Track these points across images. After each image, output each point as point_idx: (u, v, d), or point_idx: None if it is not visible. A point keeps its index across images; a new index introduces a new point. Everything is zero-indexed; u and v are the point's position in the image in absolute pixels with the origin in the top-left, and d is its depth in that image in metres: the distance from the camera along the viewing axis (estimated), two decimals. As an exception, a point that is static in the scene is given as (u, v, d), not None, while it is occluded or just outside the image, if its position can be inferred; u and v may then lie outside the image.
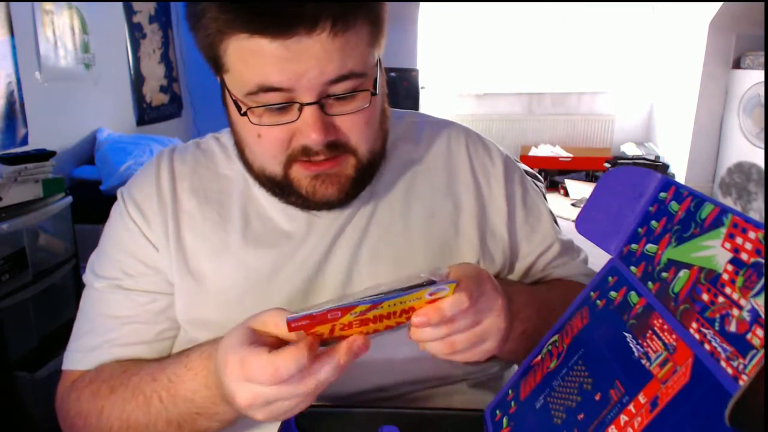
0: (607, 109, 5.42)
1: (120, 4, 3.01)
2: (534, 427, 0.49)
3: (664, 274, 0.43)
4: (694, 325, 0.37)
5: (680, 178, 4.70)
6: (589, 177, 5.09)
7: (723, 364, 0.34)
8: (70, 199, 1.93)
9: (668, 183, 0.47)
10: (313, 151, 0.56)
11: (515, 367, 0.81)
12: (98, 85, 2.75)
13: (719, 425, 0.32)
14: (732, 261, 0.36)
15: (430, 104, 5.14)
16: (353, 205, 0.66)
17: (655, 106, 5.35)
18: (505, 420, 0.53)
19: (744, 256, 0.35)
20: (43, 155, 1.81)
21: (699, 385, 0.35)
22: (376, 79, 0.57)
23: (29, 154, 1.79)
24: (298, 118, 0.54)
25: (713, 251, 0.38)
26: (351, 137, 0.58)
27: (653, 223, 0.47)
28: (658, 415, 0.37)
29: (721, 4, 4.18)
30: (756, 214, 4.07)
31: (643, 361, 0.40)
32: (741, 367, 0.32)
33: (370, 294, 0.44)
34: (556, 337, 0.54)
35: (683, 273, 0.41)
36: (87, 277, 0.68)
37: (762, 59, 4.09)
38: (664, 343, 0.39)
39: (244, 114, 0.55)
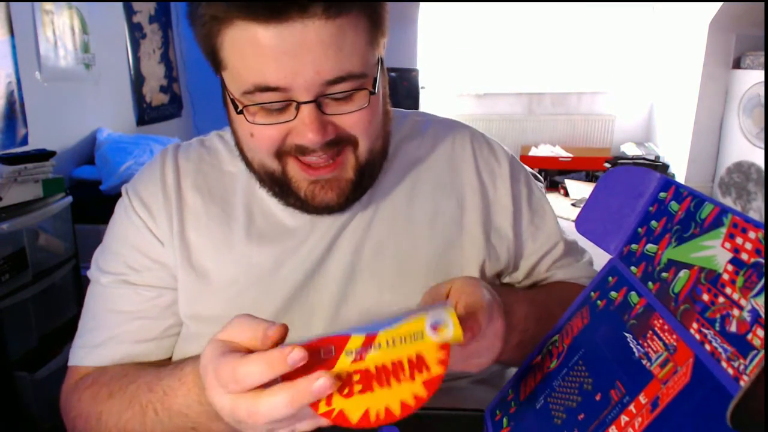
0: (607, 109, 5.42)
1: (120, 4, 3.01)
2: (534, 427, 0.49)
3: (664, 274, 0.43)
4: (695, 325, 0.37)
5: (680, 178, 4.70)
6: (589, 177, 5.08)
7: (724, 364, 0.34)
8: (70, 199, 1.93)
9: (668, 183, 0.47)
10: (309, 150, 0.56)
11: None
12: (98, 85, 2.75)
13: (720, 426, 0.32)
14: (732, 261, 0.36)
15: (430, 104, 5.13)
16: (356, 204, 0.65)
17: (655, 106, 5.35)
18: (505, 420, 0.53)
19: (744, 256, 0.35)
20: (43, 155, 1.81)
21: (700, 385, 0.35)
22: (376, 78, 0.57)
23: (29, 154, 1.79)
24: (294, 118, 0.54)
25: (713, 251, 0.38)
26: (353, 131, 0.57)
27: (653, 223, 0.47)
28: (658, 416, 0.37)
29: (721, 4, 4.17)
30: (756, 213, 4.06)
31: (644, 362, 0.40)
32: (742, 367, 0.32)
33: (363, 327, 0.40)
34: (556, 337, 0.54)
35: (683, 273, 0.41)
36: (92, 274, 0.68)
37: (762, 59, 4.09)
38: (665, 344, 0.39)
39: (240, 112, 0.55)
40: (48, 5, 2.32)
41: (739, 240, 0.36)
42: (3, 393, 1.61)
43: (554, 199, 4.68)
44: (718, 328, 0.35)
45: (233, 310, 0.59)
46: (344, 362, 0.38)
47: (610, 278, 0.50)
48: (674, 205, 0.45)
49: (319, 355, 0.37)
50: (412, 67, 4.61)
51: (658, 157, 5.04)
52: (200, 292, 0.64)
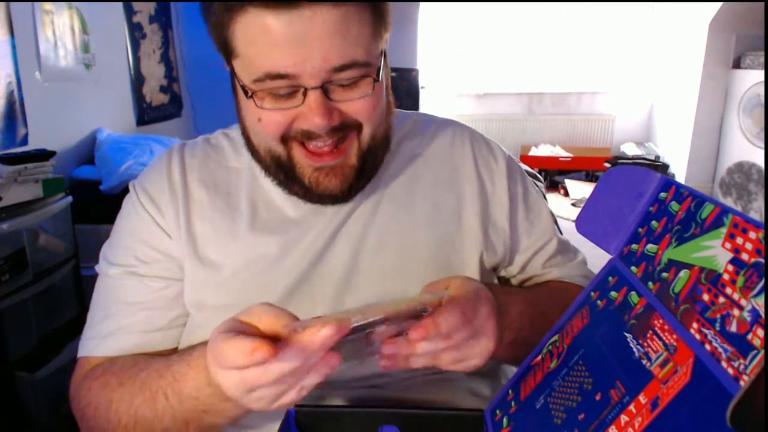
0: (607, 109, 5.42)
1: (120, 4, 3.01)
2: (534, 427, 0.49)
3: (664, 274, 0.43)
4: (695, 325, 0.37)
5: (680, 178, 4.70)
6: (589, 177, 5.08)
7: (724, 364, 0.34)
8: (70, 199, 1.93)
9: (668, 183, 0.47)
10: (315, 135, 0.58)
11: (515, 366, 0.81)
12: (98, 85, 2.75)
13: (720, 426, 0.32)
14: (732, 261, 0.36)
15: (430, 104, 5.13)
16: (359, 196, 0.68)
17: (655, 106, 5.35)
18: (505, 420, 0.53)
19: (744, 256, 0.35)
20: (43, 155, 1.81)
21: (700, 385, 0.35)
22: (379, 68, 0.59)
23: (29, 154, 1.79)
24: (302, 103, 0.56)
25: (714, 251, 0.38)
26: (357, 117, 0.60)
27: (653, 223, 0.47)
28: (658, 416, 0.37)
29: (721, 4, 4.17)
30: (756, 214, 4.07)
31: (644, 362, 0.40)
32: (742, 367, 0.32)
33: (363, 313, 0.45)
34: (556, 337, 0.54)
35: (684, 273, 0.41)
36: (100, 267, 0.69)
37: (762, 59, 4.09)
38: (665, 344, 0.39)
39: (250, 97, 0.57)
40: (48, 5, 2.32)
41: (739, 240, 0.36)
42: (3, 393, 1.61)
43: (554, 199, 4.68)
44: (718, 328, 0.35)
45: (238, 300, 0.63)
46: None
47: (611, 278, 0.50)
48: (675, 205, 0.45)
49: None
50: (412, 67, 4.61)
51: (658, 157, 5.04)
52: (206, 281, 0.65)
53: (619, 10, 5.19)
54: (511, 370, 0.80)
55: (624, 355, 0.43)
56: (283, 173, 0.63)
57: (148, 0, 3.31)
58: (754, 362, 0.32)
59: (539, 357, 0.54)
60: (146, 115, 3.25)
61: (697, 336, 0.37)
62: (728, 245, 0.37)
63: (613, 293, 0.48)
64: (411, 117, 0.79)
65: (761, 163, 4.00)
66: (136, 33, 3.17)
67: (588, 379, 0.45)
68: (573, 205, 4.47)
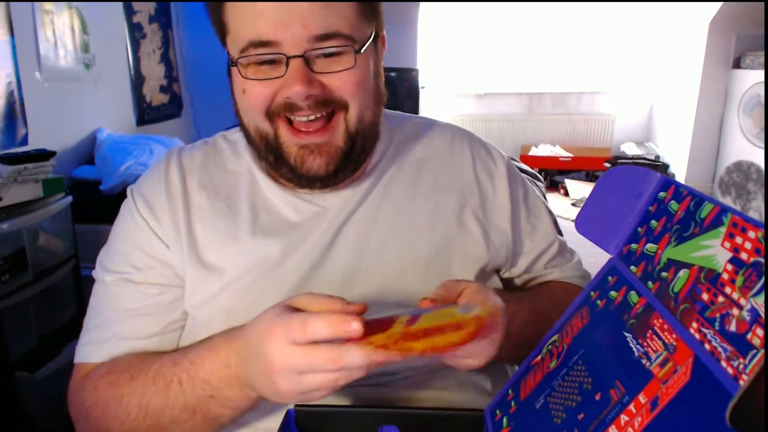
0: (607, 109, 5.42)
1: (120, 4, 3.00)
2: (534, 426, 0.49)
3: (664, 274, 0.43)
4: (695, 324, 0.37)
5: (680, 177, 4.70)
6: (589, 177, 5.08)
7: (723, 363, 0.34)
8: (70, 199, 1.93)
9: (668, 182, 0.47)
10: (297, 106, 0.59)
11: (516, 365, 0.81)
12: (98, 85, 2.75)
13: (719, 425, 0.32)
14: (732, 260, 0.36)
15: (430, 104, 5.13)
16: (360, 197, 0.68)
17: (655, 106, 5.35)
18: (505, 420, 0.53)
19: (744, 256, 0.35)
20: (43, 155, 1.81)
21: (699, 385, 0.35)
22: (364, 44, 0.60)
23: (29, 154, 1.78)
24: (284, 74, 0.58)
25: (713, 251, 0.38)
26: (341, 93, 0.60)
27: (653, 222, 0.47)
28: (658, 415, 0.37)
29: (721, 4, 4.17)
30: (755, 213, 4.07)
31: (644, 361, 0.40)
32: (741, 366, 0.32)
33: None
34: (556, 337, 0.54)
35: (683, 272, 0.41)
36: (96, 273, 0.70)
37: (762, 59, 4.09)
38: (664, 343, 0.39)
39: (234, 64, 0.59)
40: (48, 5, 2.32)
41: (738, 239, 0.36)
42: (3, 393, 1.61)
43: (554, 199, 4.68)
44: (717, 328, 0.35)
45: (241, 302, 0.64)
46: (395, 329, 0.47)
47: (610, 278, 0.50)
48: (674, 205, 0.45)
49: (381, 326, 0.46)
50: (412, 67, 4.61)
51: (658, 157, 5.04)
52: (208, 285, 0.65)
53: (619, 10, 5.19)
54: (513, 368, 0.80)
55: (624, 355, 0.43)
56: (272, 154, 0.64)
57: (148, 0, 3.31)
58: (754, 362, 0.32)
59: (539, 357, 0.54)
60: (146, 115, 3.25)
61: (697, 335, 0.37)
62: (727, 244, 0.37)
63: (612, 293, 0.49)
64: (410, 120, 0.79)
65: (761, 163, 4.00)
66: (136, 33, 3.16)
67: (588, 379, 0.45)
68: (573, 205, 4.47)
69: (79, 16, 2.57)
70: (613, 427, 0.40)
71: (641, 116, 5.43)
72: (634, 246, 0.48)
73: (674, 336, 0.39)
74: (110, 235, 0.71)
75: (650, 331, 0.41)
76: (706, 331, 0.36)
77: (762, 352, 0.32)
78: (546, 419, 0.47)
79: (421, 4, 4.82)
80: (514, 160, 0.94)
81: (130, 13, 3.10)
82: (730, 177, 4.34)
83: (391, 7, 0.61)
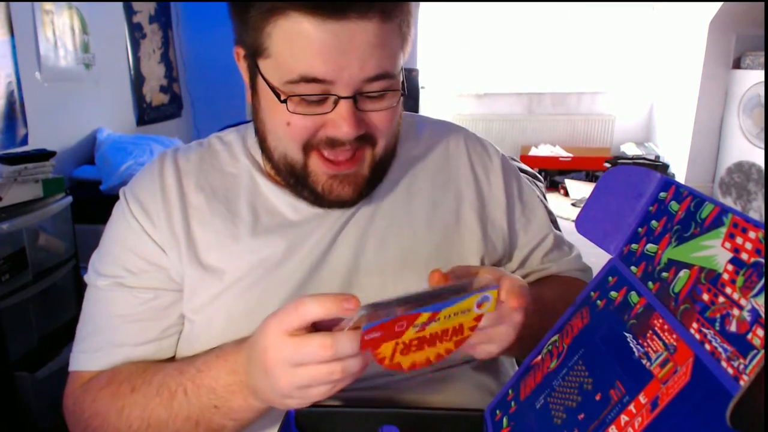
0: (607, 109, 5.42)
1: (120, 4, 3.01)
2: (534, 427, 0.49)
3: (664, 274, 0.43)
4: (695, 325, 0.37)
5: (680, 177, 4.70)
6: (589, 177, 5.08)
7: (723, 364, 0.34)
8: (70, 199, 1.93)
9: (668, 183, 0.47)
10: (340, 142, 0.59)
11: (516, 365, 0.81)
12: (98, 85, 2.75)
13: (720, 425, 0.32)
14: (732, 261, 0.36)
15: (430, 104, 5.13)
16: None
17: (655, 106, 5.34)
18: (505, 420, 0.53)
19: (744, 256, 0.35)
20: (43, 155, 1.81)
21: (699, 385, 0.35)
22: (403, 81, 0.61)
23: (29, 154, 1.78)
24: (331, 111, 0.57)
25: (713, 251, 0.38)
26: (376, 132, 0.61)
27: (653, 222, 0.47)
28: (658, 416, 0.37)
29: (721, 4, 4.17)
30: (756, 213, 4.07)
31: (644, 361, 0.40)
32: (741, 367, 0.32)
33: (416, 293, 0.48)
34: (556, 337, 0.54)
35: (683, 273, 0.41)
36: (89, 277, 0.68)
37: (762, 59, 4.08)
38: (665, 343, 0.39)
39: (284, 101, 0.57)
40: (48, 5, 2.32)
41: (739, 240, 0.36)
42: (3, 393, 1.61)
43: (554, 199, 4.68)
44: (718, 328, 0.35)
45: (241, 303, 0.63)
46: (410, 333, 0.47)
47: (610, 278, 0.50)
48: (674, 205, 0.45)
49: (394, 328, 0.46)
50: (412, 67, 4.60)
51: (658, 157, 5.03)
52: (208, 286, 0.65)
53: (619, 10, 5.19)
54: (514, 368, 0.80)
55: (624, 355, 0.43)
56: (294, 178, 0.64)
57: (148, 0, 3.31)
58: (754, 362, 0.32)
59: (539, 357, 0.54)
60: (146, 115, 3.25)
61: (697, 336, 0.37)
62: (728, 245, 0.37)
63: (612, 293, 0.48)
64: (405, 119, 0.78)
65: (761, 163, 4.00)
66: (136, 33, 3.17)
67: (588, 379, 0.45)
68: (573, 205, 4.47)
69: (79, 16, 2.57)
70: (613, 427, 0.40)
71: (641, 116, 5.43)
72: (634, 246, 0.48)
73: (674, 336, 0.39)
74: (102, 238, 0.69)
75: (650, 332, 0.41)
76: (706, 331, 0.36)
77: (762, 352, 0.32)
78: (546, 419, 0.47)
79: (421, 4, 4.82)
80: (515, 160, 0.94)
81: (130, 13, 3.10)
82: (730, 178, 4.34)
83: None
